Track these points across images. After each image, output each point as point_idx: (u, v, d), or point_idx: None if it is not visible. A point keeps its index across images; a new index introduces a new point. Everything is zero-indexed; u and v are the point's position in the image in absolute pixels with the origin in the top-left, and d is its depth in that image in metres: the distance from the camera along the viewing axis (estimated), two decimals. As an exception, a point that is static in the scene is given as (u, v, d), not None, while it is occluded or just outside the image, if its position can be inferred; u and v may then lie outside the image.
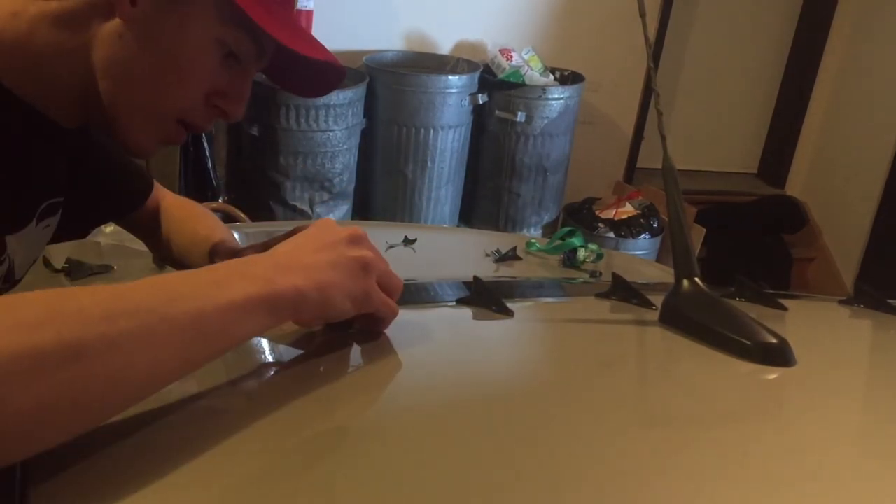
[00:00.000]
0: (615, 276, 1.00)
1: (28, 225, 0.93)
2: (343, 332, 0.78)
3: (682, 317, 0.85)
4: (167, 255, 1.21)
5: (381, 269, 0.75)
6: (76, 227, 1.14)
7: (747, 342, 0.79)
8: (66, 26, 0.85)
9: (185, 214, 1.21)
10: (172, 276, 0.63)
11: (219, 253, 1.10)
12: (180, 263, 1.18)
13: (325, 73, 1.00)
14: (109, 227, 1.41)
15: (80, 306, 0.55)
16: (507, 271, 1.48)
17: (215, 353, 0.63)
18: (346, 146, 3.24)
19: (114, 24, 0.85)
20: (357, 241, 0.73)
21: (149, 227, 1.21)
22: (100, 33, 0.85)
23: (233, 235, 1.17)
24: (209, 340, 0.61)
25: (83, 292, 0.57)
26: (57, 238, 1.04)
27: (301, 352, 0.78)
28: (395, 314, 0.78)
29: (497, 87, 3.49)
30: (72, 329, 0.53)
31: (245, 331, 0.65)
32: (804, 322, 1.04)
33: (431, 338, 0.84)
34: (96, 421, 0.56)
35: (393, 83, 3.33)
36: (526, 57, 3.60)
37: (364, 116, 3.30)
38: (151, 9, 0.85)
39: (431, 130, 3.36)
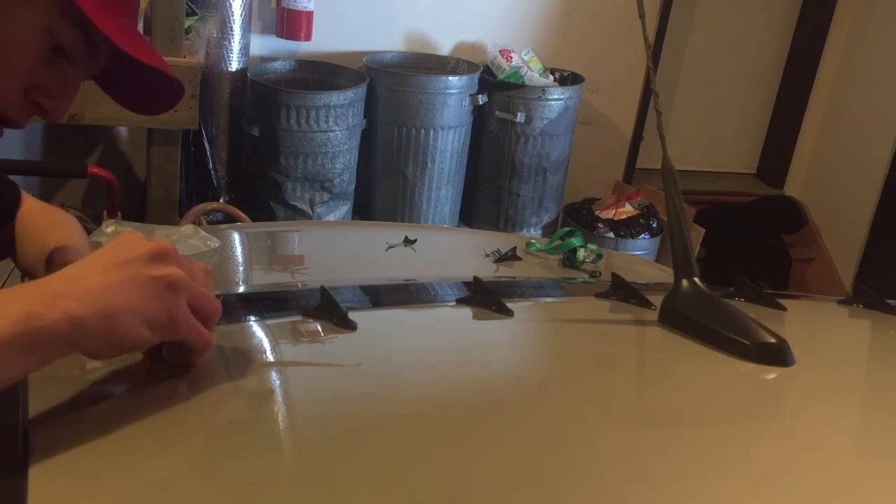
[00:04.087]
0: (615, 277, 1.00)
1: None
2: (157, 358, 0.68)
3: (681, 317, 0.85)
4: (24, 269, 1.01)
5: (194, 290, 0.64)
6: None
7: (746, 342, 0.79)
8: None
9: (38, 223, 1.02)
10: None
11: (53, 263, 0.91)
12: (32, 276, 0.99)
13: (163, 89, 0.90)
14: (110, 227, 1.40)
15: None
16: (506, 271, 1.48)
17: None
18: (346, 147, 3.24)
19: None
20: (161, 257, 0.63)
21: (11, 241, 1.03)
22: None
23: (82, 241, 0.98)
24: None
25: None
26: None
27: (301, 351, 0.78)
28: (207, 344, 0.66)
29: (497, 88, 3.49)
30: None
31: None
32: (803, 322, 1.04)
33: (431, 338, 0.84)
34: None
35: (393, 84, 3.33)
36: (526, 58, 3.60)
37: (364, 117, 3.31)
38: None
39: (431, 131, 3.36)
